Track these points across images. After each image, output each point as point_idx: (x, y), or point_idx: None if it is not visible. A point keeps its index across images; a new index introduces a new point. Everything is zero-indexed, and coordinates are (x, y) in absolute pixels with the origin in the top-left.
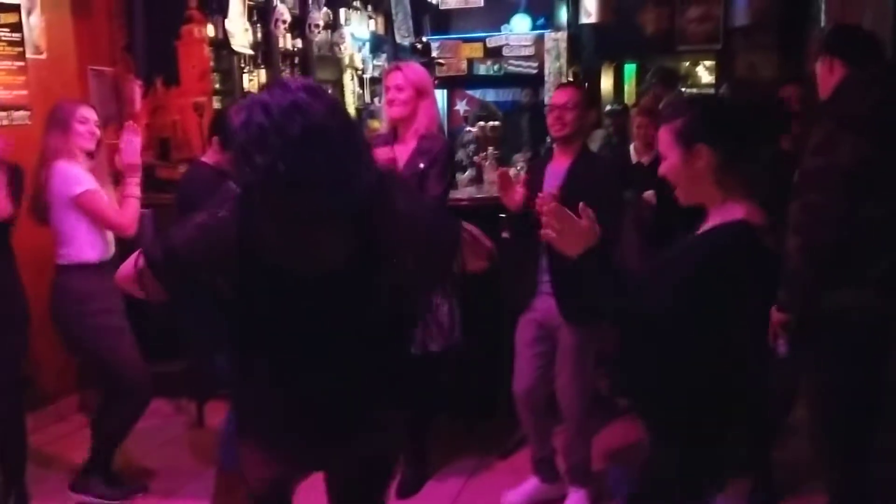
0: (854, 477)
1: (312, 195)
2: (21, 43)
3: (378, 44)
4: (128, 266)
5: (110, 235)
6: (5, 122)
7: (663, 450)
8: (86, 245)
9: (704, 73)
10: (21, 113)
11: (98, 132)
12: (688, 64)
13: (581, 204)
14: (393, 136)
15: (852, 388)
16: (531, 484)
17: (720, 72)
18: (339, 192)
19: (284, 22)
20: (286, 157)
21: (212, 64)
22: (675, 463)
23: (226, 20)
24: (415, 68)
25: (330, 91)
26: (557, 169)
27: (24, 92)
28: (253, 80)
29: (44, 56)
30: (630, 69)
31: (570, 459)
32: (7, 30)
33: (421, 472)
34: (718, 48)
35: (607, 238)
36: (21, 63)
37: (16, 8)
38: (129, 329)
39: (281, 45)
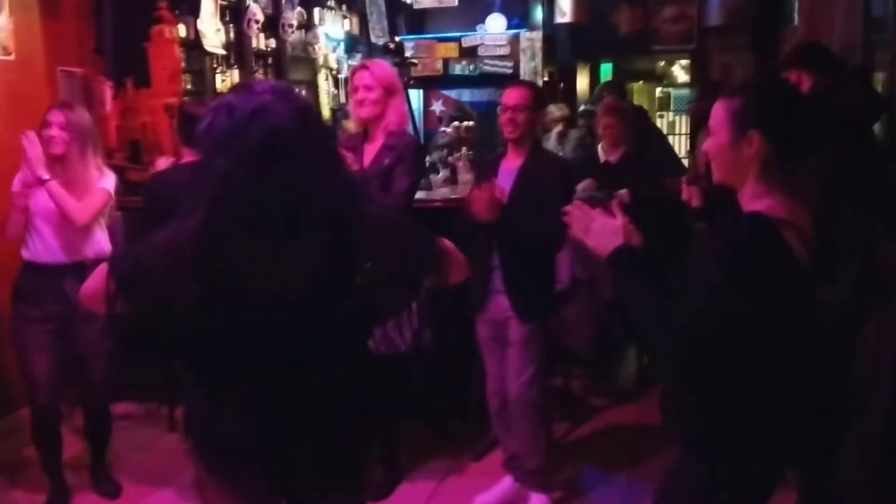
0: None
1: (276, 203)
2: None
3: (353, 44)
4: (96, 283)
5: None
6: None
7: (695, 466)
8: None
9: (681, 72)
10: None
11: (63, 135)
12: (663, 63)
13: (615, 200)
14: (364, 136)
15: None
16: (504, 484)
17: (694, 71)
18: (305, 200)
19: (257, 22)
20: (248, 163)
21: (183, 65)
22: (706, 482)
23: (197, 20)
24: (382, 66)
25: (302, 93)
26: (509, 167)
27: None
28: (226, 81)
29: (12, 57)
30: (606, 69)
31: (527, 464)
32: None
33: (393, 475)
34: (692, 48)
35: (554, 237)
36: None
37: None
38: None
39: (254, 45)
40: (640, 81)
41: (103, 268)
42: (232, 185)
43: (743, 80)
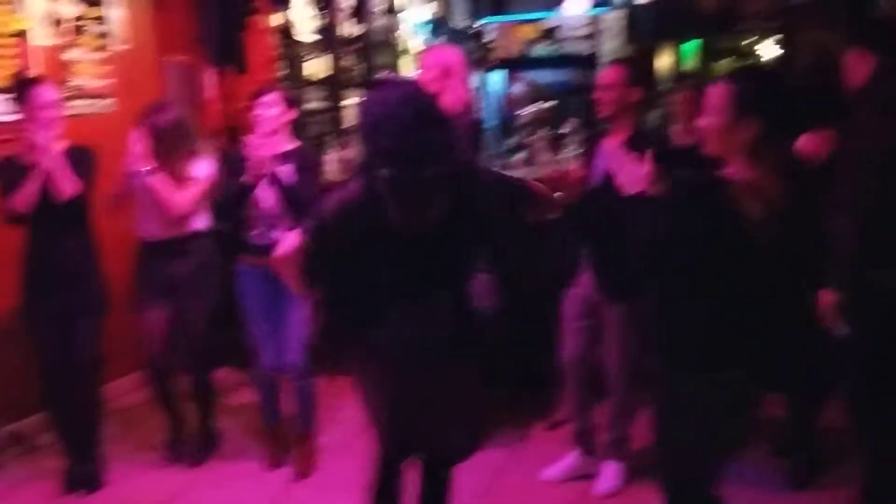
0: (889, 448)
1: (423, 166)
2: (105, 35)
3: (436, 28)
4: (291, 244)
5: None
6: (91, 110)
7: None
8: None
9: (767, 50)
10: (106, 101)
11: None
12: (749, 41)
13: (648, 152)
14: None
15: (892, 363)
16: (571, 457)
17: (781, 49)
18: (441, 163)
19: (345, 9)
20: (400, 139)
21: (276, 52)
22: (692, 395)
23: (289, 9)
24: (443, 49)
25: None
26: (611, 146)
27: (109, 81)
28: (315, 67)
29: (126, 47)
30: (689, 48)
31: (611, 434)
32: (93, 23)
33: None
34: (778, 25)
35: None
36: (106, 54)
37: (100, 2)
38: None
39: (341, 31)
40: (725, 60)
41: (294, 235)
42: (391, 157)
43: (742, 68)
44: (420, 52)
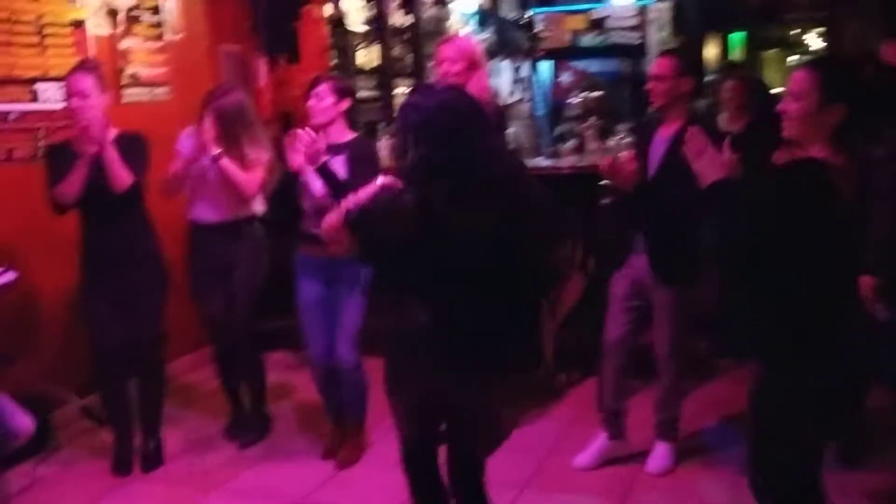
0: None
1: (461, 175)
2: (160, 25)
3: (484, 18)
4: (335, 217)
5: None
6: (148, 98)
7: (780, 377)
8: None
9: (815, 41)
10: (161, 89)
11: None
12: (796, 31)
13: (727, 139)
14: None
15: None
16: (599, 442)
17: (828, 39)
18: (485, 171)
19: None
20: (442, 146)
21: (329, 41)
22: (792, 388)
23: (341, 0)
24: (467, 41)
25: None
26: (665, 134)
27: (164, 70)
28: (366, 56)
29: (180, 36)
30: (736, 38)
31: (661, 415)
32: (148, 13)
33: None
34: (825, 15)
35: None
36: (161, 43)
37: None
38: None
39: (392, 21)
40: (773, 50)
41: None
42: (433, 165)
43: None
44: (439, 44)
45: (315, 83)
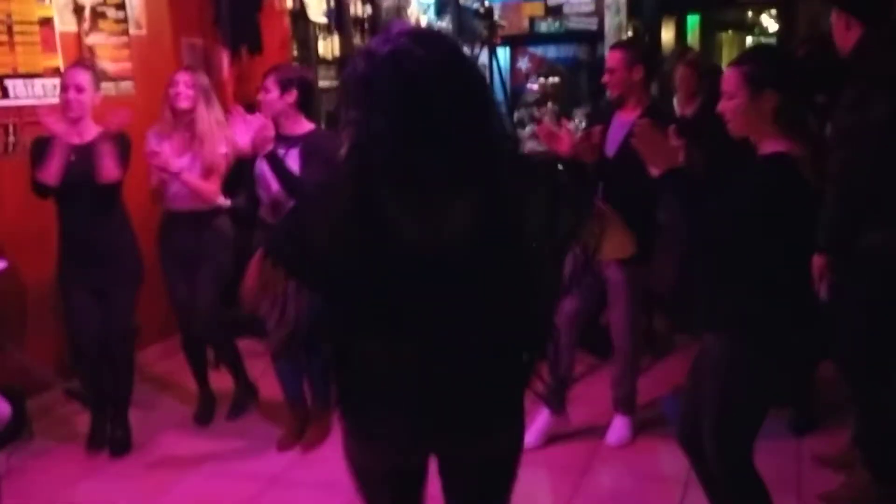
0: (879, 399)
1: (418, 158)
2: (125, 20)
3: (442, 6)
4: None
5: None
6: (113, 93)
7: (725, 345)
8: None
9: (771, 22)
10: (126, 84)
11: (189, 92)
12: (752, 13)
13: (672, 126)
14: None
15: (881, 322)
16: (542, 418)
17: (781, 22)
18: (459, 152)
19: None
20: (383, 114)
21: (290, 33)
22: (735, 356)
23: None
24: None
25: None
26: (624, 119)
27: (128, 65)
28: (327, 47)
29: (144, 31)
30: (693, 20)
31: (619, 390)
32: (113, 9)
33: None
34: None
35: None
36: (125, 38)
37: None
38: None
39: (352, 12)
40: (730, 31)
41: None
42: (371, 137)
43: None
44: None
45: (266, 75)
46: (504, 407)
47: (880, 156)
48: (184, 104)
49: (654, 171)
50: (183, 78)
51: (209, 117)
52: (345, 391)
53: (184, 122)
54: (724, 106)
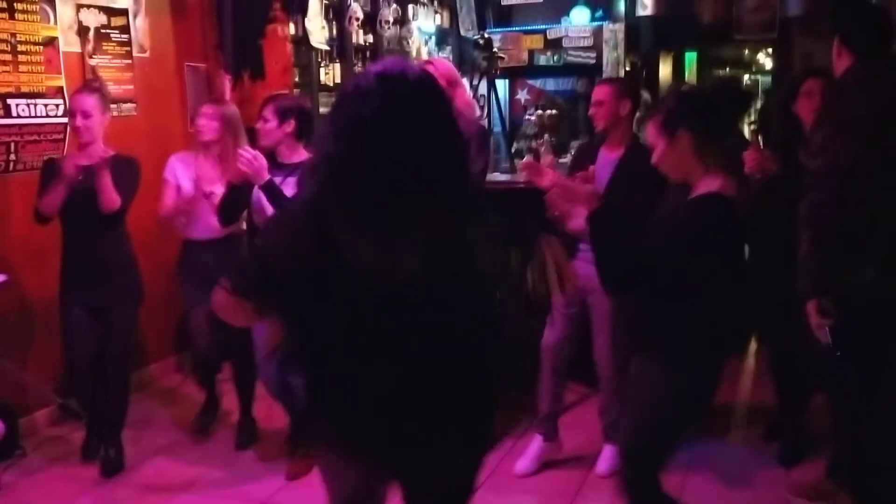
0: (854, 439)
1: (373, 191)
2: (129, 43)
3: (443, 37)
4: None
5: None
6: (115, 114)
7: (658, 367)
8: None
9: (767, 60)
10: (128, 105)
11: (213, 125)
12: (749, 51)
13: (579, 174)
14: None
15: (869, 360)
16: (535, 444)
17: (777, 60)
18: (407, 190)
19: (357, 19)
20: (340, 143)
21: (292, 59)
22: (666, 378)
23: (305, 19)
24: (443, 62)
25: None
26: (609, 157)
27: (131, 87)
28: (328, 74)
29: (147, 54)
30: (690, 57)
31: (607, 418)
32: (117, 31)
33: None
34: (774, 37)
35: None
36: (128, 61)
37: (124, 12)
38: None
39: (354, 40)
40: (727, 69)
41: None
42: (329, 171)
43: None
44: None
45: (264, 104)
46: (468, 430)
47: (849, 199)
48: (207, 136)
49: (578, 222)
50: (206, 111)
51: (235, 149)
52: (316, 415)
53: (213, 153)
54: (654, 158)
